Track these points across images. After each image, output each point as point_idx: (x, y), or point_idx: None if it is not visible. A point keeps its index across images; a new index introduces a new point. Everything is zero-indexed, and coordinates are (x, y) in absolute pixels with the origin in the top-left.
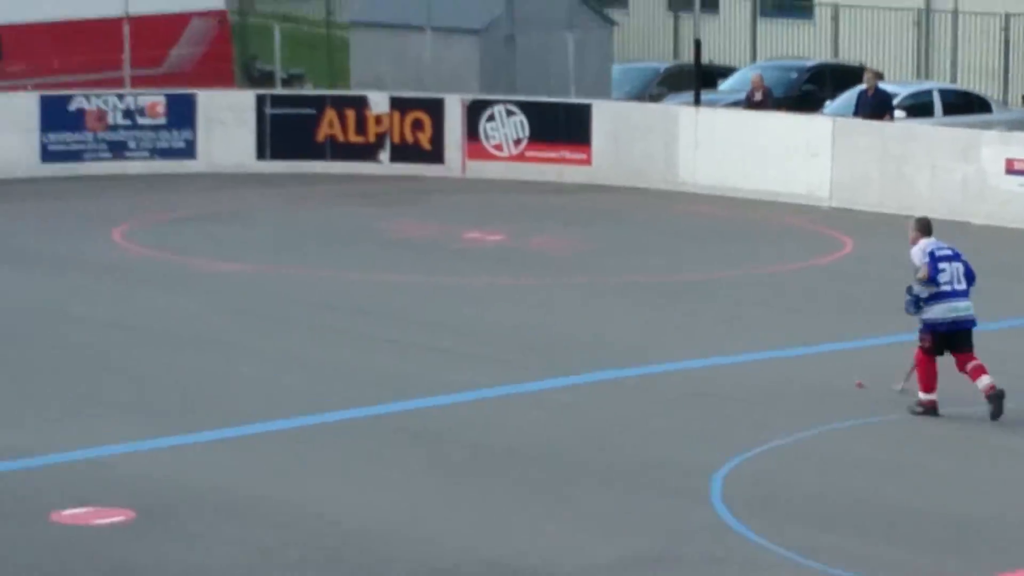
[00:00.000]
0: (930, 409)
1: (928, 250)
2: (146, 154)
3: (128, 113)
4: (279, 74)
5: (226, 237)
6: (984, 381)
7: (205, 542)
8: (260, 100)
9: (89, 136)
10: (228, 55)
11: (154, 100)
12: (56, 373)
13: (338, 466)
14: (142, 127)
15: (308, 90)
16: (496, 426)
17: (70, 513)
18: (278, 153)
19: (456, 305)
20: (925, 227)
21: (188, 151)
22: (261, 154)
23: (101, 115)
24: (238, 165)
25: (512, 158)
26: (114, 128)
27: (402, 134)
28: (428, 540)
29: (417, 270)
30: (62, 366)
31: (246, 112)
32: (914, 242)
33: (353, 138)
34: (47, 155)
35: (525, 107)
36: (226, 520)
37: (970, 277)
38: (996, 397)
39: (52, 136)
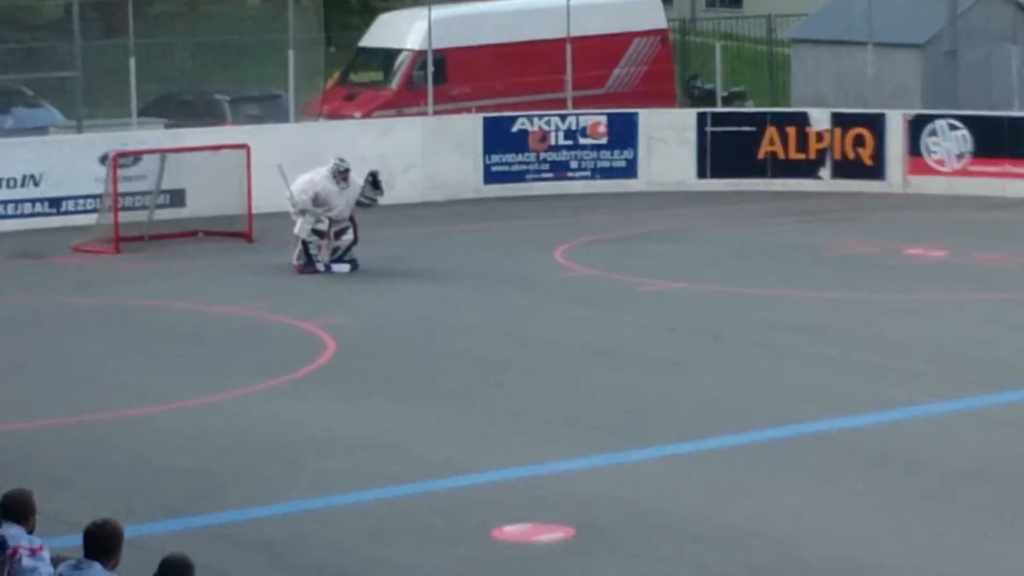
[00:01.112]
0: None
1: None
2: (587, 174)
3: (570, 133)
4: (720, 92)
5: (667, 255)
6: None
7: (643, 560)
8: (701, 118)
9: (531, 157)
10: (669, 74)
11: (596, 120)
12: (495, 390)
13: (778, 484)
14: (584, 147)
15: (749, 108)
16: (936, 444)
17: (511, 530)
18: (718, 171)
19: (897, 321)
20: None
21: (629, 170)
22: (702, 172)
23: (543, 136)
24: (679, 183)
25: (955, 173)
26: (556, 148)
27: (843, 150)
28: (869, 559)
29: (858, 287)
30: (502, 383)
31: (687, 131)
32: None
33: (794, 155)
34: (490, 176)
35: (968, 121)
36: (665, 538)
37: None
38: None
39: (495, 157)
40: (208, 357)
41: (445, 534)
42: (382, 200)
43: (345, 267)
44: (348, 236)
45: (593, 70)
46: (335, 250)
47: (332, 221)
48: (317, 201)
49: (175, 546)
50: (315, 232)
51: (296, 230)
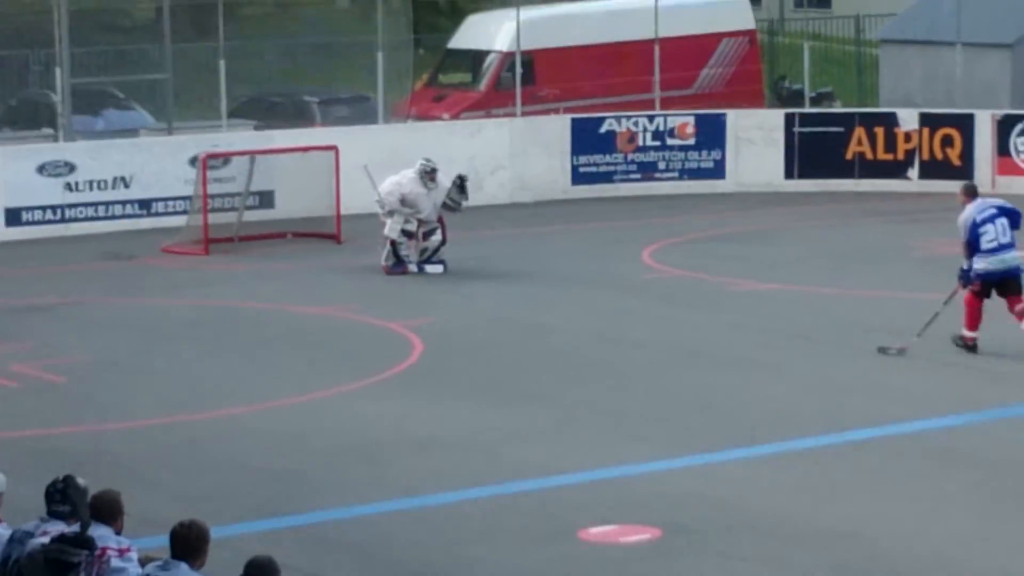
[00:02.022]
0: (971, 345)
1: (969, 220)
2: (675, 174)
3: (658, 134)
4: (808, 92)
5: (755, 256)
6: None
7: (731, 560)
8: (789, 119)
9: (619, 158)
10: (757, 74)
11: (684, 121)
12: (583, 390)
13: (865, 485)
14: (672, 148)
15: (837, 108)
16: None
17: (598, 531)
18: (806, 172)
19: (986, 322)
20: (970, 190)
21: (717, 171)
22: (789, 173)
23: (631, 137)
24: (767, 184)
25: None
26: (644, 149)
27: (931, 151)
28: (960, 560)
29: (947, 288)
30: (592, 384)
31: (775, 131)
32: (963, 206)
33: (882, 156)
34: (578, 177)
35: None
36: (752, 538)
37: (1016, 224)
38: None
39: (583, 158)
40: (297, 358)
41: (533, 535)
42: (466, 204)
43: (439, 268)
44: (437, 237)
45: (681, 71)
46: (423, 251)
47: (420, 222)
48: (404, 202)
49: (262, 547)
50: (404, 233)
51: (386, 231)
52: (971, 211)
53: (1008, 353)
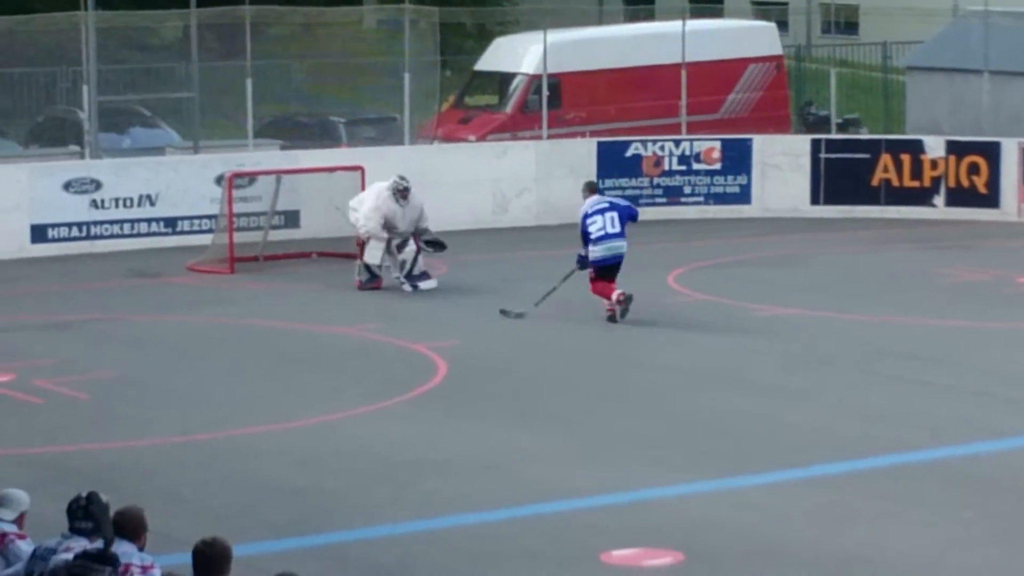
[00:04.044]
0: (612, 315)
1: (584, 212)
2: (701, 199)
3: (684, 159)
4: (834, 119)
5: (780, 281)
6: (615, 293)
7: None
8: (815, 145)
9: (645, 181)
10: (784, 100)
11: (710, 146)
12: (610, 415)
13: (888, 511)
14: (697, 172)
15: (863, 135)
16: None
17: (620, 554)
18: (832, 198)
19: (1010, 350)
20: (591, 186)
21: (743, 196)
22: (815, 199)
23: (657, 161)
24: (792, 210)
25: None
26: (670, 174)
27: (958, 178)
28: None
29: (971, 315)
30: (617, 408)
31: (801, 157)
32: (584, 200)
33: (908, 183)
34: None
35: None
36: (773, 563)
37: (628, 218)
38: (625, 301)
39: (609, 181)
40: (320, 377)
41: (553, 558)
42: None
43: (432, 283)
44: (410, 246)
45: (708, 95)
46: (403, 264)
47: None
48: (386, 226)
49: (284, 566)
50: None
51: (366, 257)
52: (586, 205)
53: None
